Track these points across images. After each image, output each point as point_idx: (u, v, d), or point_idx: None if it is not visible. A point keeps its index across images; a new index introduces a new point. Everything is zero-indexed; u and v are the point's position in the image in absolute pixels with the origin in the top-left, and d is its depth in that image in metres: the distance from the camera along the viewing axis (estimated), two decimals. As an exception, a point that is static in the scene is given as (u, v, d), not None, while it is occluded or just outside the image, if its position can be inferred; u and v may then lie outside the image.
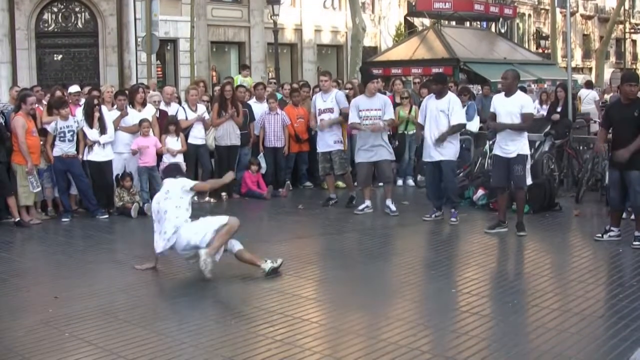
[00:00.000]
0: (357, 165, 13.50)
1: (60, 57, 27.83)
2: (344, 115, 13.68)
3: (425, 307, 7.72)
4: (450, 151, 12.18)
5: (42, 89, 15.34)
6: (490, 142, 14.30)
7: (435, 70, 29.45)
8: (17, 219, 12.57)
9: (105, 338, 6.87)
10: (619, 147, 10.32)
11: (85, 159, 13.34)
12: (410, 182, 16.52)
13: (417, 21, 40.53)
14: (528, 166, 11.35)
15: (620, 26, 61.05)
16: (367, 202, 13.29)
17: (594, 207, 13.54)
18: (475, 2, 34.87)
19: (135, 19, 27.09)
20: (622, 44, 64.41)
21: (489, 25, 40.86)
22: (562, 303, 7.70)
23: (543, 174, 13.81)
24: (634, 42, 67.50)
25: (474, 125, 15.98)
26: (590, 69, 58.23)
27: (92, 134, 13.24)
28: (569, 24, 20.59)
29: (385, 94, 15.43)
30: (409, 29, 40.22)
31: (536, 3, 57.13)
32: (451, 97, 12.26)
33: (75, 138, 13.14)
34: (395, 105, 15.92)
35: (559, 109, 16.50)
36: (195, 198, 13.71)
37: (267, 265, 9.02)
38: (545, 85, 29.42)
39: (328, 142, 13.95)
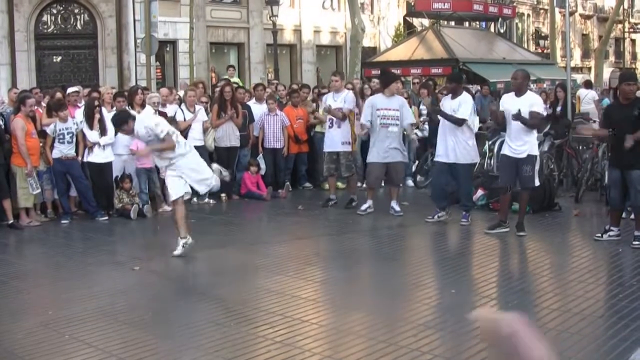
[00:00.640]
0: (370, 165, 13.39)
1: (59, 58, 27.83)
2: (344, 115, 13.67)
3: (426, 308, 7.71)
4: (468, 154, 12.10)
5: (41, 91, 15.33)
6: (490, 142, 14.33)
7: (434, 70, 29.58)
8: (11, 221, 12.55)
9: (105, 340, 6.87)
10: (618, 148, 10.32)
11: (85, 160, 13.34)
12: (410, 182, 16.52)
13: (416, 21, 40.54)
14: (537, 167, 11.33)
15: (619, 25, 60.99)
16: (369, 203, 13.27)
17: (594, 207, 13.55)
18: (474, 2, 34.92)
19: (134, 21, 27.09)
20: (621, 44, 64.37)
21: (488, 26, 40.89)
22: (562, 303, 7.70)
23: (542, 174, 13.80)
24: (633, 41, 67.46)
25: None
26: (590, 68, 58.18)
27: (93, 135, 13.24)
28: (568, 23, 20.63)
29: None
30: (408, 30, 40.22)
31: (535, 3, 57.10)
32: (463, 97, 12.18)
33: (74, 140, 13.14)
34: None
35: (558, 109, 16.51)
36: (195, 199, 13.82)
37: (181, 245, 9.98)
38: (545, 85, 29.44)
39: (336, 142, 13.91)
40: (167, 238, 11.56)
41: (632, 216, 10.83)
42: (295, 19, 34.96)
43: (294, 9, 34.92)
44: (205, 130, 14.75)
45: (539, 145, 14.44)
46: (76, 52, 27.93)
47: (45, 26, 27.54)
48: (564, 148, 15.30)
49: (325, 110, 14.08)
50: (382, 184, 14.20)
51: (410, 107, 16.15)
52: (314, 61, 36.11)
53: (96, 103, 13.59)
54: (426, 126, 16.66)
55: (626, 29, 63.50)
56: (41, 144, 13.00)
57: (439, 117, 12.11)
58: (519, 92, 11.27)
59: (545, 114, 11.94)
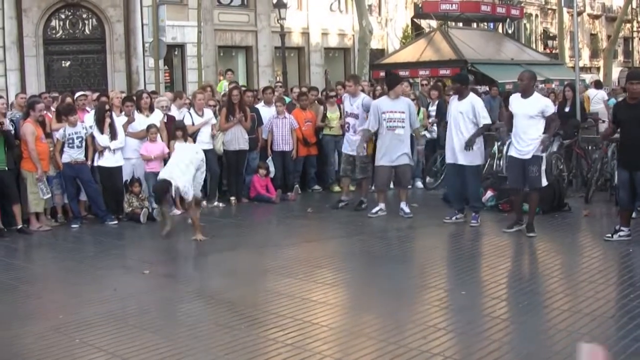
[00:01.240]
0: (378, 168, 13.39)
1: (68, 63, 27.92)
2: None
3: (436, 310, 7.70)
4: (474, 155, 12.07)
5: (49, 96, 15.36)
6: (499, 143, 14.30)
7: (443, 71, 29.56)
8: (20, 226, 12.58)
9: (116, 344, 6.88)
10: (627, 147, 10.30)
11: (95, 164, 13.37)
12: (419, 184, 16.50)
13: (424, 23, 40.50)
14: (543, 167, 11.31)
15: (628, 25, 60.87)
16: (381, 205, 13.27)
17: (604, 207, 13.51)
18: (482, 3, 34.90)
19: (142, 25, 27.16)
20: (630, 43, 64.24)
21: (496, 26, 40.83)
22: (572, 304, 7.68)
23: (552, 175, 13.78)
24: (641, 40, 67.38)
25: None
26: (598, 68, 58.09)
27: (103, 139, 13.26)
28: (576, 23, 20.57)
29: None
30: (416, 31, 40.19)
31: (543, 3, 57.03)
32: (472, 99, 12.11)
33: (84, 144, 13.16)
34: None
35: (567, 109, 16.48)
36: (204, 202, 13.85)
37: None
38: (553, 85, 29.39)
39: (352, 145, 13.93)
40: (177, 241, 11.61)
41: (643, 216, 10.83)
42: (303, 21, 34.98)
43: (301, 12, 34.94)
44: (213, 134, 14.75)
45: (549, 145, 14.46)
46: (85, 57, 28.01)
47: (54, 31, 27.63)
48: (573, 148, 15.27)
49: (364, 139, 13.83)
50: (391, 186, 14.18)
51: (419, 109, 16.20)
52: (322, 64, 36.12)
53: (107, 107, 13.61)
54: (434, 127, 16.64)
55: (635, 29, 63.37)
56: (51, 149, 13.03)
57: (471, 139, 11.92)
58: (526, 94, 11.27)
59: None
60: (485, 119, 11.99)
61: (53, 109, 14.16)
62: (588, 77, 32.54)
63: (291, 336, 6.91)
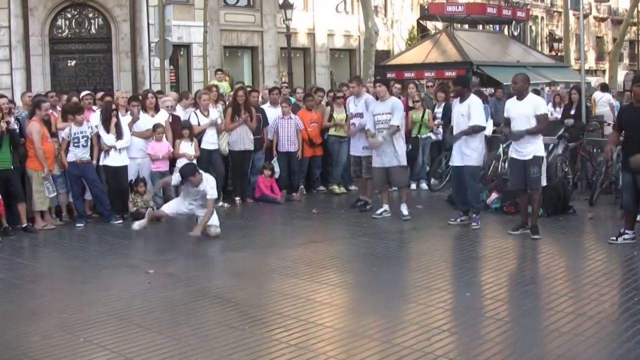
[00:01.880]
0: (373, 170, 13.48)
1: (73, 62, 27.98)
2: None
3: (440, 311, 7.70)
4: (472, 157, 12.07)
5: (56, 95, 15.39)
6: (504, 145, 14.30)
7: (448, 73, 29.56)
8: (25, 224, 12.61)
9: (120, 343, 6.89)
10: (631, 150, 10.29)
11: (101, 164, 13.39)
12: (424, 186, 16.50)
13: (429, 24, 40.52)
14: (544, 168, 11.34)
15: (634, 28, 60.84)
16: (385, 207, 13.28)
17: (608, 210, 13.49)
18: (487, 5, 35.00)
19: (148, 25, 27.20)
20: (636, 46, 64.22)
21: (501, 28, 40.84)
22: (576, 306, 7.68)
23: (557, 177, 13.78)
24: (647, 43, 67.30)
25: (487, 129, 15.92)
26: (604, 71, 58.04)
27: (109, 138, 13.28)
28: (582, 26, 20.56)
29: (400, 98, 15.31)
30: (422, 33, 40.23)
31: (549, 5, 57.03)
32: (471, 100, 12.16)
33: (89, 144, 13.19)
34: (408, 109, 15.95)
35: (572, 112, 16.48)
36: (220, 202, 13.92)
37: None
38: (558, 88, 29.38)
39: (357, 146, 14.07)
40: (182, 241, 11.62)
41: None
42: (309, 22, 35.02)
43: (307, 13, 34.98)
44: (219, 134, 14.76)
45: (554, 148, 14.48)
46: (90, 56, 28.08)
47: (60, 30, 27.68)
48: (578, 151, 15.26)
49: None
50: (394, 188, 14.19)
51: (424, 110, 16.21)
52: (327, 64, 36.17)
53: (113, 107, 13.63)
54: (440, 129, 16.64)
55: (640, 31, 63.31)
56: (56, 147, 13.06)
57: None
58: (521, 96, 11.36)
59: (553, 115, 11.91)
60: (475, 120, 11.98)
61: (59, 108, 14.17)
62: (594, 80, 32.59)
63: (295, 337, 6.92)
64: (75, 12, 27.79)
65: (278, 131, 15.68)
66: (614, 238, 10.60)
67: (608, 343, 6.62)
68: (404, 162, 13.32)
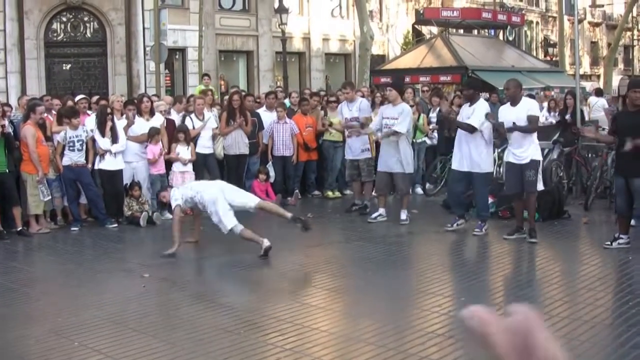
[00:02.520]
0: (377, 174, 13.52)
1: (69, 66, 27.97)
2: (361, 125, 13.79)
3: (435, 316, 7.70)
4: (483, 163, 12.00)
5: (51, 98, 15.39)
6: (499, 149, 14.30)
7: (443, 78, 29.60)
8: (20, 228, 12.61)
9: (115, 347, 6.88)
10: (623, 154, 10.31)
11: (96, 167, 13.38)
12: (419, 190, 16.49)
13: (424, 29, 40.59)
14: (540, 171, 11.36)
15: (629, 33, 60.93)
16: (381, 211, 13.30)
17: (603, 215, 13.51)
18: (482, 10, 35.06)
19: (143, 29, 27.20)
20: (630, 51, 64.33)
21: (496, 33, 40.89)
22: (571, 311, 7.69)
23: (552, 182, 13.79)
24: (642, 48, 67.44)
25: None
26: (599, 76, 58.17)
27: (104, 142, 13.28)
28: (577, 31, 20.58)
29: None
30: (417, 37, 40.28)
31: (544, 11, 57.16)
32: (477, 105, 12.09)
33: (84, 147, 13.18)
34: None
35: (567, 117, 16.50)
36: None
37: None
38: (553, 93, 29.39)
39: (356, 149, 14.10)
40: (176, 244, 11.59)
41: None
42: (304, 26, 35.03)
43: (302, 17, 34.99)
44: (214, 138, 14.77)
45: (549, 152, 14.49)
46: (86, 60, 28.07)
47: (55, 34, 27.69)
48: (573, 156, 15.28)
49: (346, 127, 14.15)
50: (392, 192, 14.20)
51: (419, 115, 16.21)
52: (322, 69, 36.18)
53: (108, 111, 13.63)
54: (435, 134, 16.66)
55: (635, 37, 63.48)
56: (51, 151, 13.05)
57: (453, 125, 12.04)
58: (514, 102, 11.41)
59: (548, 120, 11.94)
60: (473, 121, 11.91)
61: (54, 112, 14.17)
62: (588, 85, 32.61)
63: (290, 341, 6.92)
64: (71, 16, 27.79)
65: (273, 135, 15.69)
66: (609, 243, 10.61)
67: (603, 347, 6.64)
68: (410, 170, 13.30)
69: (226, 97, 16.64)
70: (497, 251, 10.94)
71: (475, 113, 11.91)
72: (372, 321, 7.53)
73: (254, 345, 6.85)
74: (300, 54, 35.55)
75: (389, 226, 12.88)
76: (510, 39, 44.96)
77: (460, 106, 14.00)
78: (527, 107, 11.37)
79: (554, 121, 17.70)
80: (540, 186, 11.43)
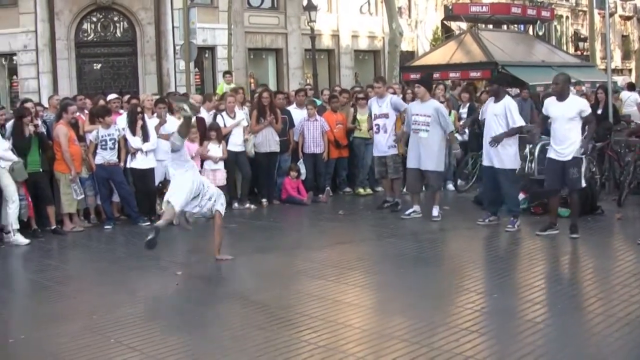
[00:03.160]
0: (407, 171, 13.51)
1: (99, 66, 28.11)
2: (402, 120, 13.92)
3: (468, 312, 7.68)
4: (507, 159, 11.97)
5: (83, 98, 15.48)
6: (530, 146, 14.23)
7: (473, 74, 29.46)
8: (54, 226, 12.73)
9: (150, 344, 6.93)
10: None
11: (128, 166, 13.46)
12: (451, 186, 16.45)
13: (454, 25, 40.37)
14: (583, 169, 11.27)
15: (660, 26, 60.43)
16: (415, 207, 13.29)
17: (636, 210, 13.42)
18: (512, 5, 34.80)
19: (173, 27, 27.30)
20: (662, 44, 63.74)
21: (526, 28, 40.61)
22: (606, 307, 7.64)
23: (586, 176, 13.69)
24: (673, 42, 66.80)
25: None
26: (630, 70, 57.69)
27: (135, 141, 13.35)
28: (608, 24, 20.48)
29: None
30: (446, 33, 40.10)
31: (574, 5, 56.72)
32: (506, 101, 12.03)
33: (116, 146, 13.27)
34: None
35: (599, 111, 16.39)
36: (236, 204, 13.97)
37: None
38: (584, 88, 29.21)
39: (383, 147, 14.06)
40: (209, 243, 11.63)
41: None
42: (333, 24, 34.98)
43: (331, 14, 34.94)
44: (246, 138, 14.81)
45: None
46: (116, 60, 28.21)
47: (86, 34, 27.85)
48: (605, 151, 15.17)
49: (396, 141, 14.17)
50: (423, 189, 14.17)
51: (450, 111, 16.15)
52: (352, 66, 36.13)
53: (139, 110, 13.71)
54: (466, 130, 16.60)
55: (667, 30, 62.86)
56: (83, 150, 13.15)
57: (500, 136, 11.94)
58: (561, 97, 11.21)
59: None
60: (516, 121, 11.92)
61: (86, 111, 14.26)
62: (620, 79, 32.30)
63: (323, 338, 6.93)
64: (101, 16, 27.93)
65: (304, 133, 15.71)
66: (643, 238, 10.54)
67: (637, 345, 6.59)
68: (441, 168, 13.28)
69: (256, 95, 16.63)
70: (529, 247, 10.88)
71: (510, 113, 11.84)
72: (404, 318, 7.52)
73: (287, 342, 6.87)
74: (330, 51, 35.51)
75: (420, 223, 12.85)
76: (540, 33, 44.70)
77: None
78: (579, 107, 11.15)
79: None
80: (583, 183, 11.33)
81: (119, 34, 28.27)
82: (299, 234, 13.11)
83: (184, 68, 24.42)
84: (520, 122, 11.97)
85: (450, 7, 36.77)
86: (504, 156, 11.90)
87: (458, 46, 32.62)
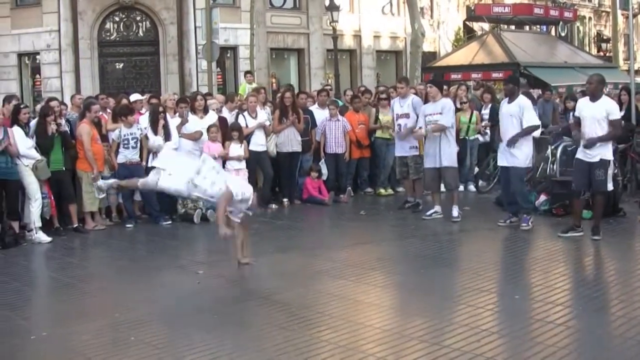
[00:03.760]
0: (425, 171, 13.51)
1: (121, 65, 28.27)
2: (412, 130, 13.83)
3: (489, 314, 7.67)
4: (519, 158, 11.98)
5: (106, 97, 15.56)
6: (552, 147, 14.18)
7: (495, 75, 29.38)
8: (76, 225, 12.81)
9: (170, 342, 6.98)
10: None
11: (149, 165, 13.49)
12: (472, 187, 16.43)
13: (476, 26, 40.31)
14: (610, 171, 11.20)
15: (684, 27, 59.98)
16: (437, 208, 13.28)
17: (659, 213, 13.34)
18: (534, 5, 34.70)
19: (195, 27, 27.41)
20: (686, 46, 63.29)
21: (548, 29, 40.49)
22: (627, 310, 7.60)
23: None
24: (697, 43, 66.30)
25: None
26: (654, 71, 57.28)
27: (157, 140, 13.39)
28: (631, 25, 20.37)
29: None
30: (468, 34, 40.03)
31: (597, 5, 56.44)
32: (520, 101, 12.05)
33: (138, 145, 13.32)
34: (456, 110, 15.88)
35: (622, 113, 16.29)
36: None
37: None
38: (607, 89, 29.03)
39: (404, 147, 14.09)
40: (231, 242, 11.66)
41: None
42: (355, 24, 34.96)
43: (353, 15, 34.92)
44: (267, 136, 14.84)
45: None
46: (138, 59, 28.36)
47: (108, 34, 28.02)
48: (627, 153, 15.10)
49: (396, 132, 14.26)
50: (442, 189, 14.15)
51: (472, 112, 16.14)
52: (374, 66, 36.09)
53: (160, 109, 13.76)
54: (488, 131, 16.58)
55: (691, 31, 62.39)
56: (106, 149, 13.22)
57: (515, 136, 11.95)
58: (594, 97, 11.12)
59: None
60: (529, 121, 11.90)
61: (109, 110, 14.32)
62: (643, 81, 32.06)
63: (343, 337, 6.94)
64: (123, 16, 28.09)
65: (326, 133, 15.72)
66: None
67: (658, 347, 6.56)
68: (455, 164, 13.29)
69: (278, 95, 16.66)
70: (550, 249, 10.84)
71: (526, 113, 11.83)
72: (425, 318, 7.51)
73: (307, 342, 6.88)
74: (351, 51, 35.49)
75: (441, 223, 12.84)
76: (563, 34, 44.50)
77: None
78: (608, 109, 11.02)
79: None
80: (610, 186, 11.25)
81: (141, 33, 28.41)
82: (319, 234, 13.13)
83: (206, 68, 24.48)
84: (533, 121, 11.95)
85: (472, 8, 36.72)
86: (516, 155, 11.91)
87: (480, 47, 32.56)
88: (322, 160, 15.74)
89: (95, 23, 27.32)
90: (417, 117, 13.62)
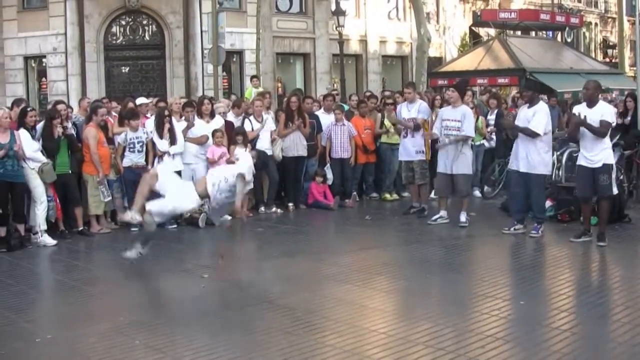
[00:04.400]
0: (437, 175, 13.49)
1: (127, 69, 28.29)
2: (416, 125, 13.79)
3: (494, 319, 7.65)
4: (541, 165, 11.89)
5: (110, 100, 15.58)
6: (558, 152, 14.17)
7: (501, 80, 29.37)
8: (81, 228, 12.82)
9: (174, 347, 6.97)
10: None
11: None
12: (477, 193, 16.40)
13: (482, 31, 40.29)
14: (614, 175, 11.20)
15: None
16: (442, 213, 13.24)
17: (665, 219, 13.33)
18: (541, 11, 34.69)
19: (201, 31, 27.39)
20: (692, 53, 63.21)
21: (554, 35, 40.48)
22: (633, 317, 7.58)
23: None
24: None
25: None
26: (659, 78, 57.20)
27: (162, 144, 13.41)
28: (638, 32, 20.28)
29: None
30: (474, 39, 40.01)
31: (603, 12, 56.42)
32: (537, 107, 11.95)
33: (144, 149, 13.34)
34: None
35: (627, 119, 16.29)
36: (263, 208, 13.99)
37: None
38: (613, 95, 29.02)
39: (410, 151, 14.07)
40: (235, 246, 11.70)
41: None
42: (361, 29, 34.95)
43: (359, 19, 34.91)
44: (272, 140, 14.85)
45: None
46: (144, 63, 28.36)
47: (114, 37, 28.04)
48: (633, 159, 15.09)
49: (393, 121, 14.24)
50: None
51: (478, 117, 16.11)
52: (379, 71, 36.06)
53: (166, 113, 13.77)
54: (493, 136, 16.56)
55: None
56: (112, 153, 13.24)
57: (514, 131, 11.96)
58: (591, 103, 11.15)
59: (614, 123, 11.69)
60: (536, 127, 11.82)
61: (114, 113, 14.33)
62: (649, 87, 32.04)
63: (348, 342, 6.93)
64: (130, 19, 28.12)
65: (331, 137, 15.72)
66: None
67: (665, 354, 6.55)
68: (469, 171, 13.29)
69: (285, 100, 16.67)
70: (555, 255, 10.84)
71: (536, 117, 11.79)
72: (430, 324, 7.50)
73: (312, 347, 6.87)
74: (357, 56, 35.47)
75: (447, 228, 12.83)
76: (569, 40, 44.44)
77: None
78: (602, 112, 11.08)
79: (614, 123, 17.48)
80: (615, 190, 11.26)
81: (147, 37, 28.43)
82: (325, 239, 13.13)
83: (211, 72, 24.51)
84: (538, 129, 11.80)
85: (478, 13, 36.67)
86: (537, 161, 11.81)
87: (486, 52, 32.56)
88: (328, 165, 15.75)
89: (101, 27, 27.35)
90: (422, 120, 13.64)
